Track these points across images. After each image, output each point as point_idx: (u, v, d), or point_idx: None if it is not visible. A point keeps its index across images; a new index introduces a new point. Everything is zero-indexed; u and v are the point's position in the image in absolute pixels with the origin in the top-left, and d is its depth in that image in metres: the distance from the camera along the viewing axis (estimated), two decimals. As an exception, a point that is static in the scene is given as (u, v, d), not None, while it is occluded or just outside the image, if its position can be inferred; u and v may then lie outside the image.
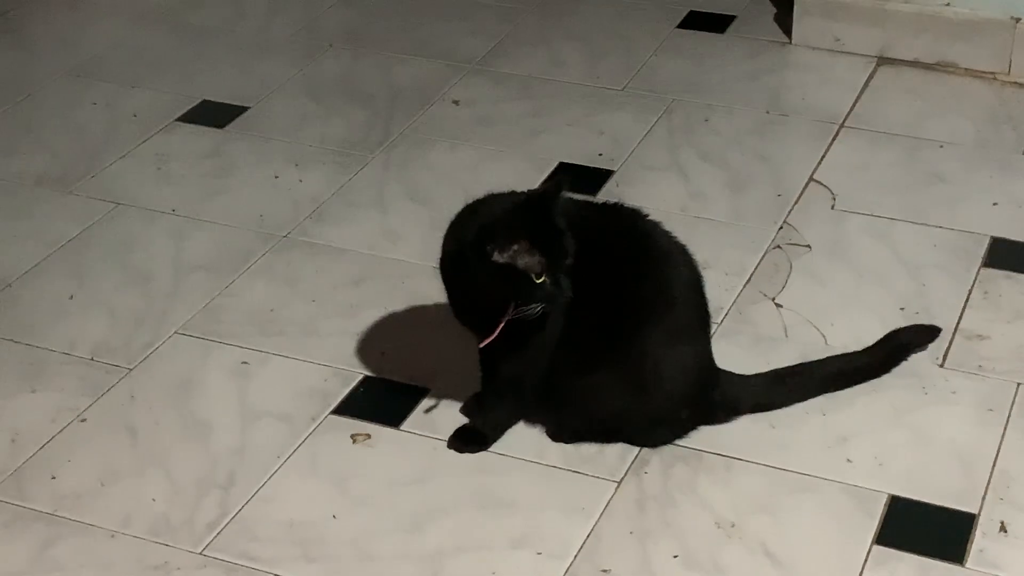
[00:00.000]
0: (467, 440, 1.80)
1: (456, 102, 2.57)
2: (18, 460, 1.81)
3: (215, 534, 1.69)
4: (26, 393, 1.92)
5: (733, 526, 1.68)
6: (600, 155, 2.40)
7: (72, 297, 2.11)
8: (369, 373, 1.93)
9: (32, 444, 1.83)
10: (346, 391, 1.90)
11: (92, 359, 1.98)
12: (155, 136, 2.50)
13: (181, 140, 2.49)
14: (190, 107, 2.57)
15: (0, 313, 2.07)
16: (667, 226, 1.78)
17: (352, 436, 1.83)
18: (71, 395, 1.91)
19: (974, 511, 1.69)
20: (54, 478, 1.78)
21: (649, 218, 1.77)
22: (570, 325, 1.71)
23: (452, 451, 1.80)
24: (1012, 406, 1.84)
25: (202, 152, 2.45)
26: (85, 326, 2.05)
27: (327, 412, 1.87)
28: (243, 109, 2.57)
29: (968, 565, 1.63)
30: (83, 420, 1.88)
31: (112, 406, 1.90)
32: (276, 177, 2.38)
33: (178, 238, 2.24)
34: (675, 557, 1.64)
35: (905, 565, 1.63)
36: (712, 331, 1.83)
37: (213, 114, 2.55)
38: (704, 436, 1.80)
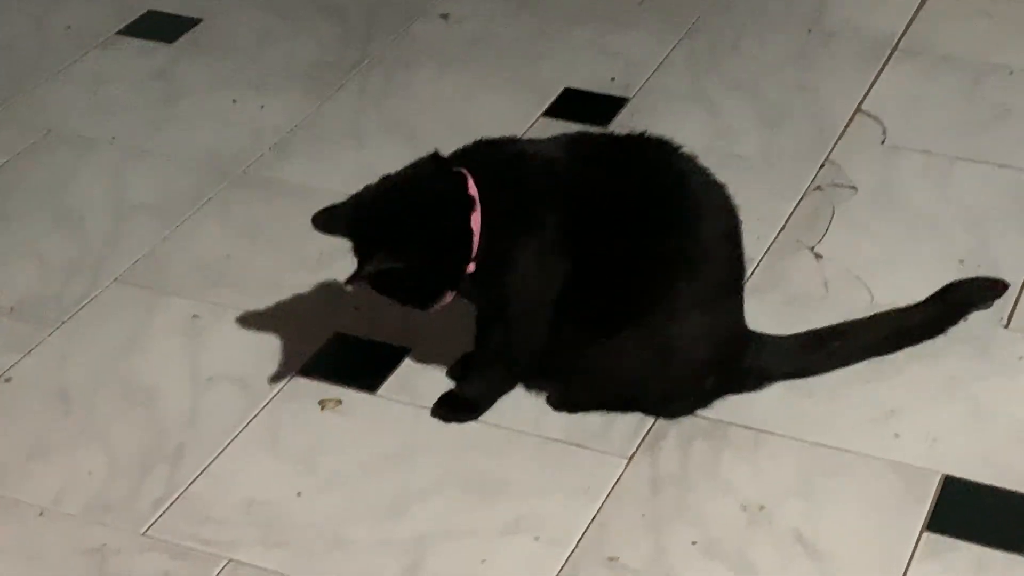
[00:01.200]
0: (454, 408, 1.80)
1: (445, 17, 2.56)
2: (-68, 427, 1.82)
3: (160, 513, 1.69)
4: (-59, 350, 1.93)
5: (762, 510, 1.69)
6: (612, 80, 2.39)
7: (-6, 240, 2.12)
8: (340, 331, 1.93)
9: (-52, 409, 1.84)
10: (313, 351, 1.90)
11: (16, 311, 1.98)
12: (92, 53, 2.49)
13: (123, 58, 2.48)
14: (133, 19, 2.56)
15: (-90, 257, 2.07)
16: (693, 163, 1.78)
17: (320, 402, 1.83)
18: (-7, 353, 1.92)
19: (1041, 495, 1.71)
20: (-27, 448, 1.79)
21: (681, 152, 1.76)
22: (582, 280, 1.71)
23: (437, 420, 1.81)
24: (1087, 375, 1.85)
25: (147, 72, 2.44)
26: (9, 273, 2.05)
27: (291, 375, 1.87)
28: (195, 22, 2.55)
29: (1034, 557, 1.64)
30: (7, 380, 1.88)
31: (41, 366, 1.90)
32: (234, 102, 2.37)
33: (118, 173, 2.23)
34: (694, 544, 1.65)
35: (960, 556, 1.64)
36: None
37: (160, 27, 2.54)
38: (730, 406, 1.81)
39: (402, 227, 1.69)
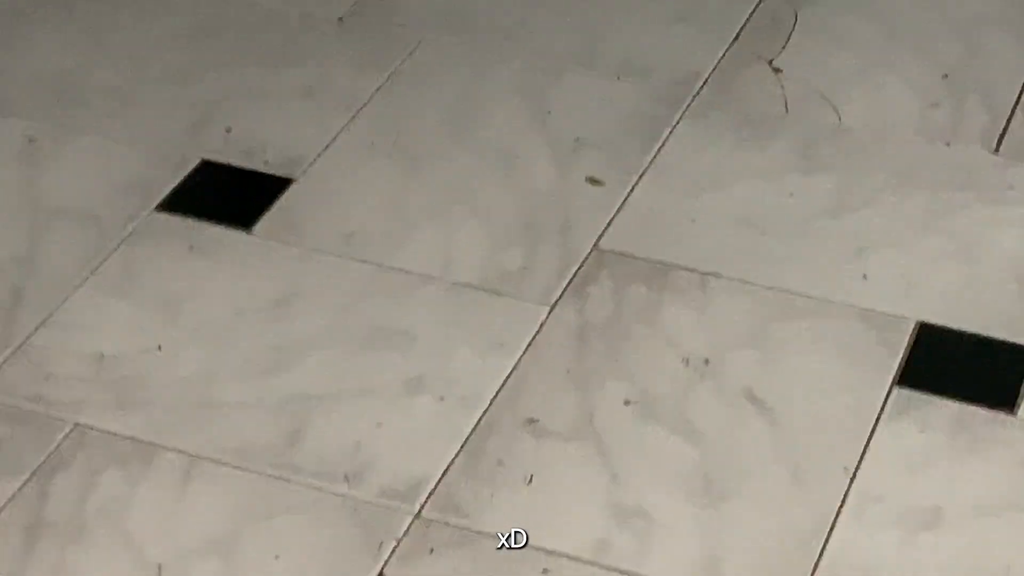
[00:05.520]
0: None
1: None
2: None
3: (-7, 371, 1.70)
4: None
5: (707, 363, 1.70)
6: None
7: None
8: (208, 157, 1.93)
9: None
10: (175, 182, 1.90)
11: None
12: None
13: None
14: None
15: None
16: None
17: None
18: None
19: (1031, 345, 1.74)
20: None
21: None
22: None
23: (322, 263, 1.80)
24: (1087, 208, 1.87)
25: None
26: None
27: (149, 209, 1.87)
28: None
29: (1022, 414, 1.66)
30: None
31: None
32: None
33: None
34: (627, 404, 1.66)
35: (937, 412, 1.66)
36: (686, 104, 1.83)
37: None
38: (670, 245, 1.82)
39: None
